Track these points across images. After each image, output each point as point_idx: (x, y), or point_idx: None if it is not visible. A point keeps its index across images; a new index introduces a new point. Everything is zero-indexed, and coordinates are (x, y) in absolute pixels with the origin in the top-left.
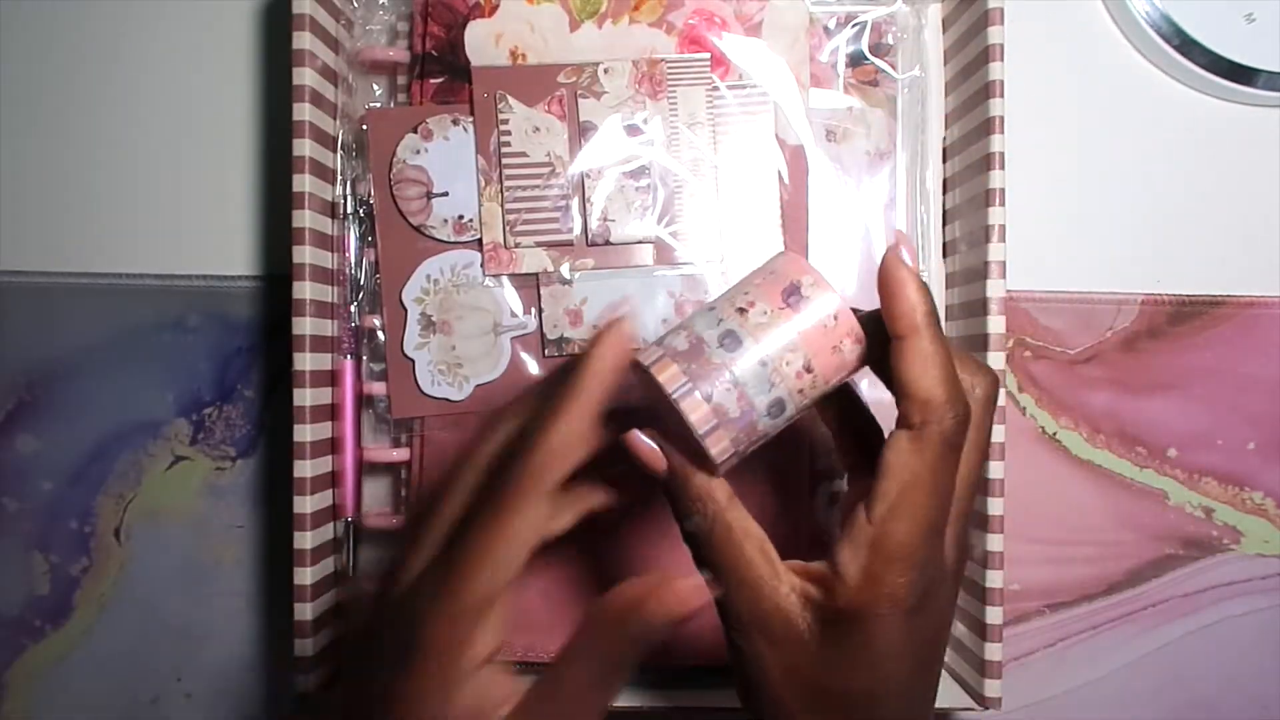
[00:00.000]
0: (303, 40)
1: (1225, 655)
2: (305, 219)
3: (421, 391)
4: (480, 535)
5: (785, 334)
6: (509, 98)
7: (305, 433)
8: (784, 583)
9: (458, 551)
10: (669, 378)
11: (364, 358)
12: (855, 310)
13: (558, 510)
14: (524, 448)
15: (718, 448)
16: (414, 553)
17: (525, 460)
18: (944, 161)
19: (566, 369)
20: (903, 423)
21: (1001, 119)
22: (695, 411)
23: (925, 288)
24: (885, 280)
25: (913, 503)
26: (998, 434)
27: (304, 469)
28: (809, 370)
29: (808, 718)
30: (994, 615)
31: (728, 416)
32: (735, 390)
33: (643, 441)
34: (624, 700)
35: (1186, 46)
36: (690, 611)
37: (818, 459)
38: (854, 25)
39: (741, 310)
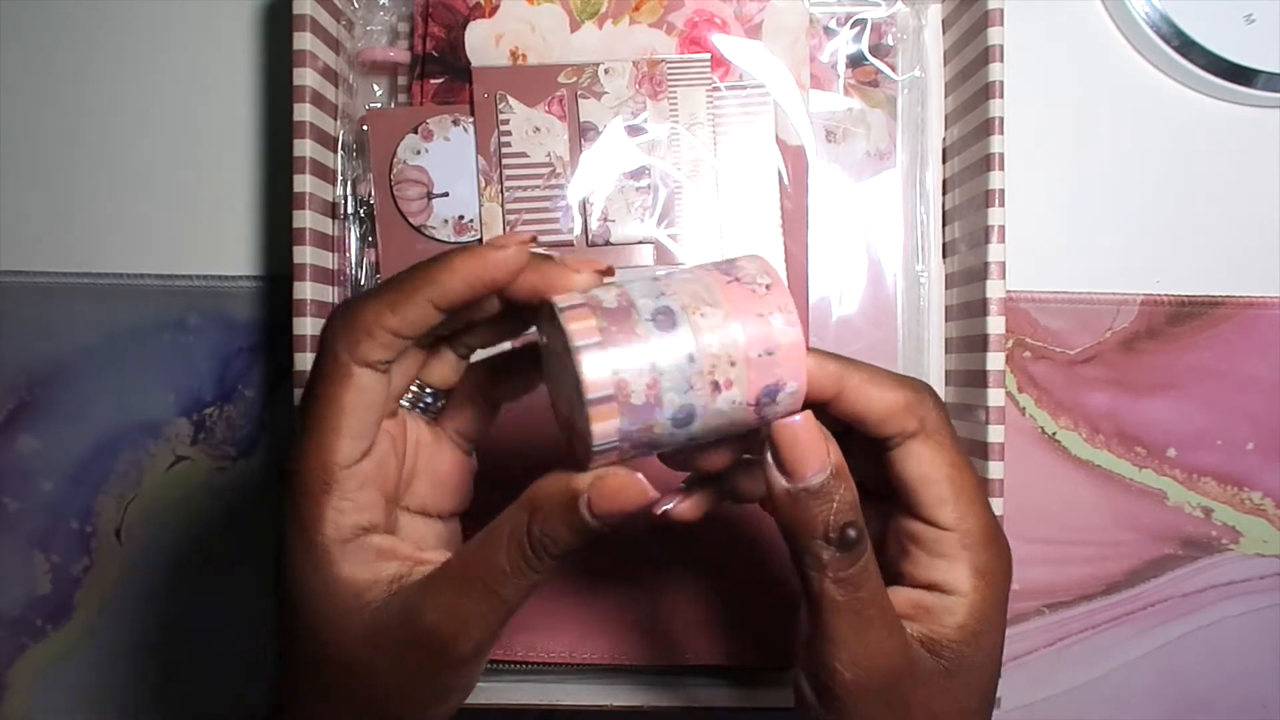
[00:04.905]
0: (303, 41)
1: (1224, 655)
2: (306, 219)
3: None
4: (302, 416)
5: (730, 340)
6: (509, 98)
7: None
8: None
9: (294, 432)
10: (580, 329)
11: None
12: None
13: (400, 377)
14: (331, 323)
15: (601, 425)
16: None
17: (332, 333)
18: (944, 162)
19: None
20: (894, 439)
21: (1001, 120)
22: (594, 371)
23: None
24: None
25: (967, 490)
26: (997, 434)
27: None
28: (736, 391)
29: None
30: None
31: (629, 399)
32: (649, 374)
33: (804, 426)
34: (624, 700)
35: (1186, 47)
36: (631, 508)
37: None
38: (854, 26)
39: (693, 298)
